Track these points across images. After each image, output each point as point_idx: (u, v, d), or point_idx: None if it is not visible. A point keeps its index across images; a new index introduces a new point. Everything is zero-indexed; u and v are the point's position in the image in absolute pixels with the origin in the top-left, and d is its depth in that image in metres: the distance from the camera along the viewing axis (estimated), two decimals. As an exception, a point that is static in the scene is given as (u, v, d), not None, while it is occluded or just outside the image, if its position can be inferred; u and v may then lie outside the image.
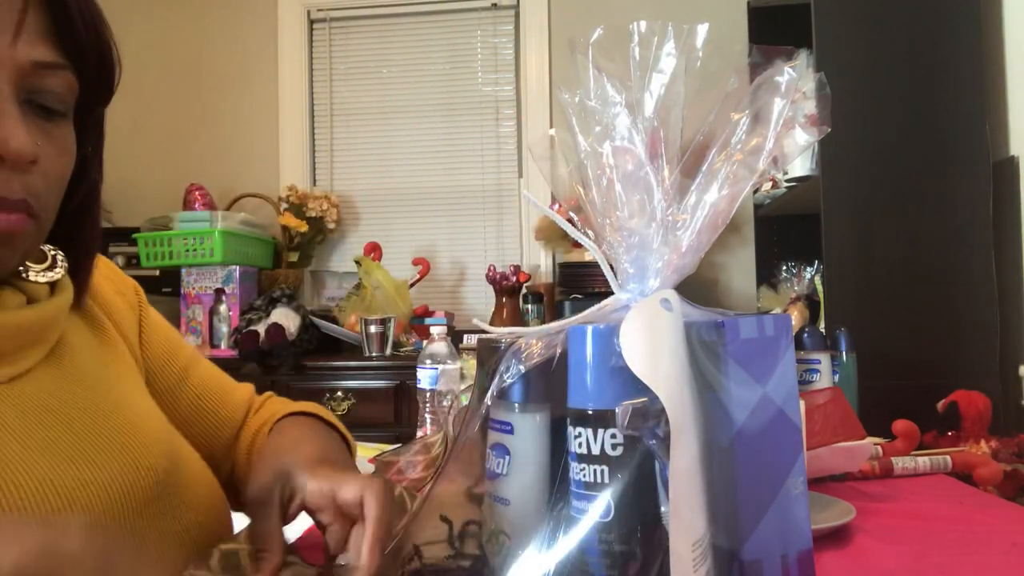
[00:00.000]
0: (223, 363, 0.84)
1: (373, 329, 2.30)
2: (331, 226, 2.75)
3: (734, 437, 0.44)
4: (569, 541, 0.44)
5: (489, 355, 0.52)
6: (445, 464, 0.53)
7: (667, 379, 0.42)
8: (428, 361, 1.22)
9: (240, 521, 0.59)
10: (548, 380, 0.49)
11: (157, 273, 2.49)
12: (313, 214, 2.68)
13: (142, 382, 0.66)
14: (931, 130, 1.85)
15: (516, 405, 0.51)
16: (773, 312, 1.92)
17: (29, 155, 0.47)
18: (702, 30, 0.49)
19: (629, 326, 0.43)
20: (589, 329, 0.45)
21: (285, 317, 2.30)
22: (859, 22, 1.90)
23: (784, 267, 2.19)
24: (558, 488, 0.49)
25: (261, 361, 2.26)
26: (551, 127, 2.67)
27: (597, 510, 0.43)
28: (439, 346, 1.23)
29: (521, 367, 0.49)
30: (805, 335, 1.17)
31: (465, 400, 1.05)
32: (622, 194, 0.48)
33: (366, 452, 1.09)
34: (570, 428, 0.46)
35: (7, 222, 0.48)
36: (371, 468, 0.92)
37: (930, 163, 1.85)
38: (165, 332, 0.73)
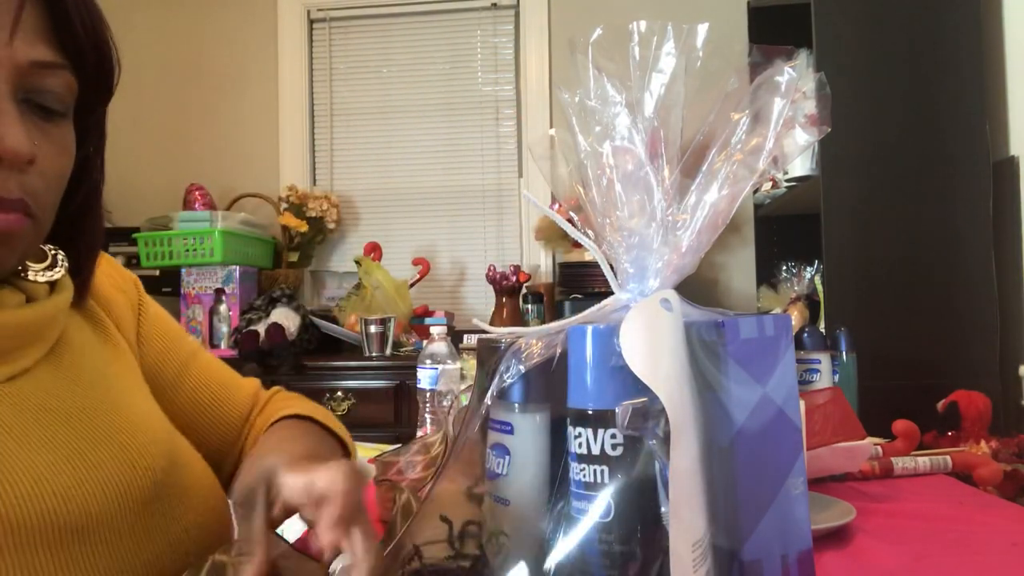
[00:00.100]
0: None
1: (373, 329, 2.30)
2: (331, 226, 2.75)
3: (734, 437, 0.44)
4: (569, 541, 0.44)
5: (489, 355, 0.52)
6: (445, 464, 0.53)
7: (667, 379, 0.42)
8: (428, 361, 1.22)
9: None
10: (548, 380, 0.49)
11: (157, 273, 2.49)
12: (313, 214, 2.68)
13: (143, 381, 0.65)
14: (931, 130, 1.85)
15: (516, 405, 0.51)
16: (773, 312, 1.92)
17: (26, 154, 0.47)
18: (702, 30, 0.49)
19: (629, 326, 0.43)
20: (589, 329, 0.45)
21: (285, 317, 2.30)
22: (859, 22, 1.90)
23: (784, 267, 2.19)
24: (558, 488, 0.49)
25: (261, 361, 2.26)
26: (551, 127, 2.67)
27: (597, 510, 0.43)
28: (439, 346, 1.23)
29: (521, 367, 0.49)
30: (805, 335, 1.17)
31: (465, 400, 1.05)
32: (622, 194, 0.48)
33: (366, 452, 1.09)
34: (570, 428, 0.46)
35: (4, 222, 0.48)
36: (371, 468, 0.92)
37: (930, 163, 1.85)
38: (164, 324, 0.72)
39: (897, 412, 1.12)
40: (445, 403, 1.16)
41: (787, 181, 2.19)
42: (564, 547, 0.44)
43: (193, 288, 2.43)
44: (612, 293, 0.50)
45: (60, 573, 0.46)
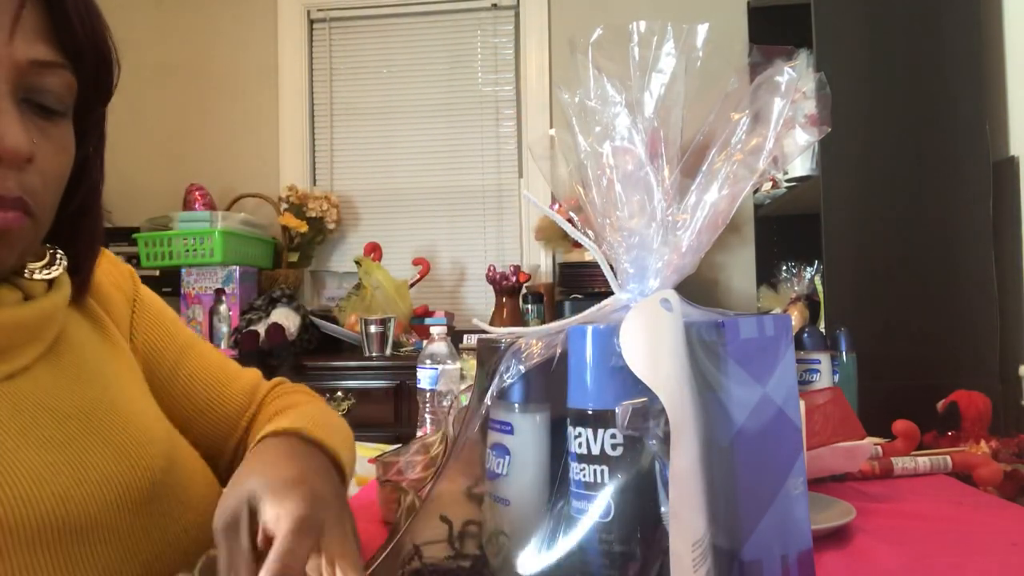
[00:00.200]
0: (223, 363, 0.82)
1: (373, 329, 2.30)
2: (331, 226, 2.75)
3: (734, 437, 0.44)
4: (569, 541, 0.44)
5: (489, 355, 0.52)
6: (445, 464, 0.53)
7: (667, 379, 0.42)
8: (428, 361, 1.22)
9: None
10: (548, 380, 0.49)
11: (157, 273, 2.49)
12: (313, 214, 2.68)
13: (142, 379, 0.65)
14: (931, 130, 1.85)
15: (516, 405, 0.51)
16: (773, 312, 1.92)
17: (25, 152, 0.47)
18: (702, 30, 0.49)
19: (629, 326, 0.43)
20: (589, 329, 0.45)
21: (285, 317, 2.30)
22: (859, 22, 1.90)
23: (784, 267, 2.19)
24: (558, 488, 0.49)
25: (261, 361, 2.25)
26: (551, 127, 2.67)
27: (597, 510, 0.43)
28: (439, 346, 1.23)
29: (521, 367, 0.49)
30: (805, 335, 1.17)
31: (465, 400, 1.05)
32: (622, 194, 0.48)
33: (366, 452, 1.09)
34: (570, 428, 0.46)
35: (3, 220, 0.48)
36: (371, 468, 0.92)
37: (930, 163, 1.85)
38: (160, 315, 0.71)
39: (897, 412, 1.12)
40: (445, 403, 1.16)
41: (787, 181, 2.19)
42: (564, 547, 0.44)
43: (193, 288, 2.43)
44: (612, 293, 0.50)
45: (59, 573, 0.46)
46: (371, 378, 2.28)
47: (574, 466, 0.45)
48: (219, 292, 2.43)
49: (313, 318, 2.42)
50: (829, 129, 0.49)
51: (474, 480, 0.54)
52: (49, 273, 0.56)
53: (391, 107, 2.88)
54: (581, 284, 2.37)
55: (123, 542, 0.51)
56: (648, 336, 0.42)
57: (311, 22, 2.92)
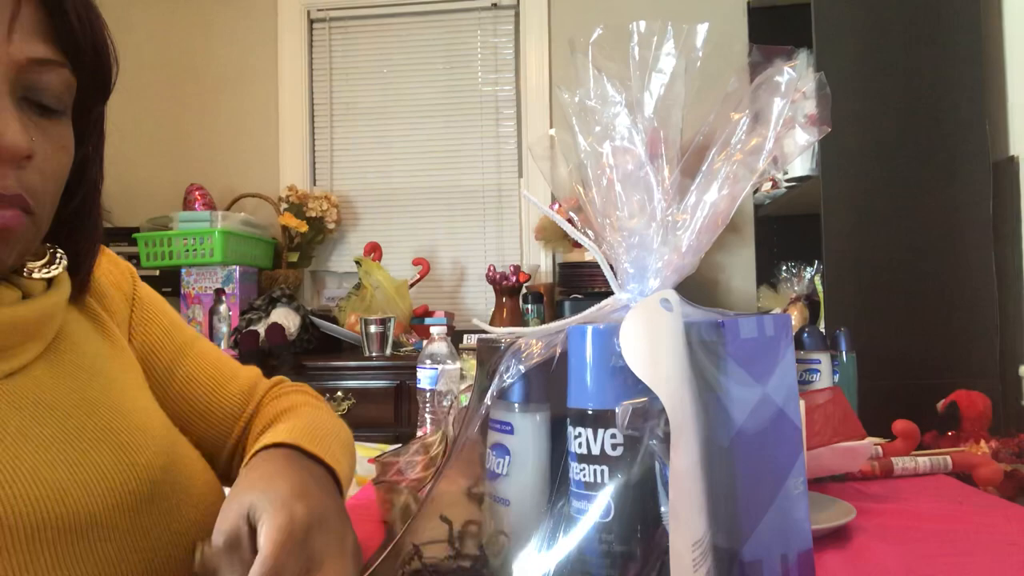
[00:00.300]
0: (223, 363, 0.82)
1: (373, 329, 2.30)
2: (331, 226, 2.75)
3: (734, 437, 0.44)
4: (569, 541, 0.44)
5: (489, 355, 0.52)
6: (445, 464, 0.53)
7: (667, 379, 0.42)
8: (428, 361, 1.22)
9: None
10: (548, 380, 0.49)
11: (157, 273, 2.49)
12: (313, 214, 2.69)
13: (142, 378, 0.65)
14: (931, 130, 1.85)
15: (516, 405, 0.51)
16: (773, 312, 1.92)
17: (23, 150, 0.47)
18: (702, 30, 0.49)
19: (629, 326, 0.43)
20: (589, 329, 0.45)
21: (285, 317, 2.30)
22: (859, 22, 1.90)
23: (784, 267, 2.19)
24: (558, 488, 0.49)
25: (261, 361, 2.25)
26: (551, 127, 2.67)
27: (597, 510, 0.43)
28: (439, 346, 1.23)
29: (521, 367, 0.49)
30: (805, 335, 1.17)
31: (465, 400, 1.05)
32: (622, 194, 0.48)
33: (366, 452, 1.09)
34: (570, 428, 0.46)
35: (2, 218, 0.48)
36: (371, 468, 0.92)
37: (930, 163, 1.85)
38: (158, 312, 0.71)
39: (897, 412, 1.12)
40: (445, 403, 1.16)
41: (787, 181, 2.19)
42: (564, 547, 0.44)
43: (193, 288, 2.43)
44: (612, 293, 0.50)
45: (58, 571, 0.46)
46: (371, 378, 2.28)
47: (574, 466, 0.45)
48: (219, 292, 2.43)
49: (313, 318, 2.42)
50: (829, 129, 0.49)
51: (474, 480, 0.54)
52: (49, 272, 0.56)
53: (391, 107, 2.88)
54: (581, 284, 2.37)
55: (122, 540, 0.51)
56: (648, 336, 0.42)
57: (311, 22, 2.92)
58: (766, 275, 2.37)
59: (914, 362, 1.81)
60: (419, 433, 1.21)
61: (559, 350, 0.48)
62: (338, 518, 0.52)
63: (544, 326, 0.50)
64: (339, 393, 2.26)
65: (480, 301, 2.79)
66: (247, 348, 2.24)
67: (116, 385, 0.59)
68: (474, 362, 0.76)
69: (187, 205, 2.67)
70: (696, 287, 2.54)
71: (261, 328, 2.27)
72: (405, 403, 2.24)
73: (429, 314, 2.56)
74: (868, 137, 1.88)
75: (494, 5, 2.84)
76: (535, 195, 2.65)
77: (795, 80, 0.48)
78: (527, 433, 0.50)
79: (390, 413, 2.25)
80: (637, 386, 0.41)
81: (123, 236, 2.56)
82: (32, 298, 0.53)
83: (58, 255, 0.58)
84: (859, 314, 1.84)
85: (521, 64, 2.80)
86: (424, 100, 2.86)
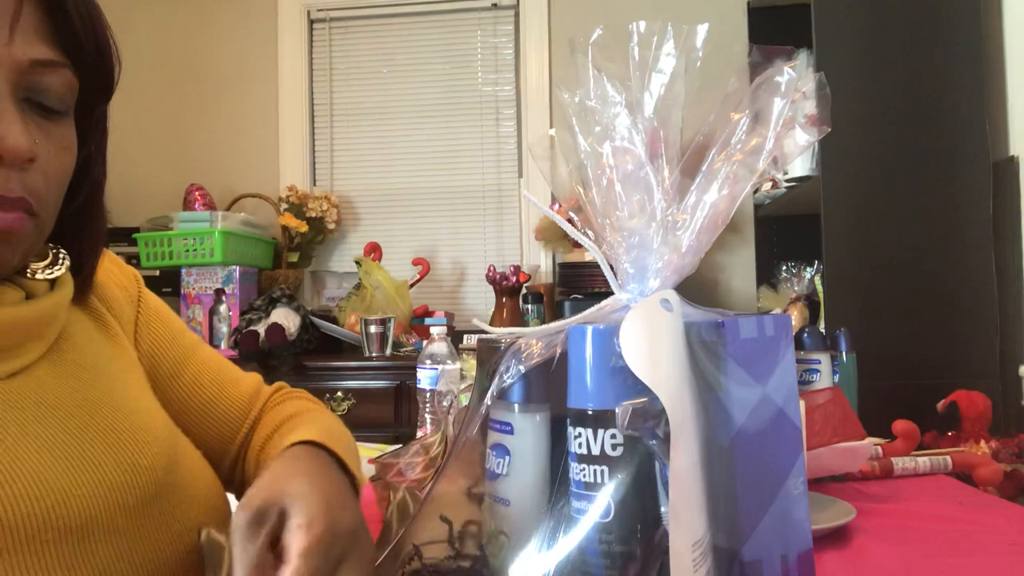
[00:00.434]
0: (223, 363, 0.82)
1: (373, 329, 2.30)
2: (331, 226, 2.75)
3: (734, 437, 0.44)
4: (569, 541, 0.44)
5: (489, 355, 0.52)
6: (445, 464, 0.53)
7: (667, 379, 0.42)
8: (428, 361, 1.22)
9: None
10: (548, 380, 0.49)
11: (157, 273, 2.49)
12: (313, 214, 2.69)
13: (144, 378, 0.65)
14: (931, 130, 1.85)
15: (516, 405, 0.51)
16: (773, 312, 1.92)
17: (26, 153, 0.47)
18: (702, 30, 0.49)
19: (629, 326, 0.43)
20: (589, 329, 0.45)
21: (285, 317, 2.30)
22: (859, 22, 1.90)
23: (784, 267, 2.19)
24: (558, 488, 0.49)
25: (261, 361, 2.26)
26: (551, 127, 2.67)
27: (597, 510, 0.43)
28: (439, 346, 1.23)
29: (521, 367, 0.49)
30: (805, 335, 1.17)
31: (465, 400, 1.05)
32: (622, 194, 0.48)
33: (366, 452, 1.08)
34: (570, 428, 0.46)
35: (5, 220, 0.48)
36: (371, 469, 0.92)
37: (930, 163, 1.85)
38: (163, 318, 0.71)
39: (897, 412, 1.12)
40: (445, 403, 1.16)
41: (787, 181, 2.19)
42: (564, 547, 0.44)
43: (193, 288, 2.43)
44: (612, 293, 0.50)
45: (60, 571, 0.46)
46: (371, 378, 2.28)
47: (574, 466, 0.45)
48: (219, 292, 2.43)
49: (313, 318, 2.41)
50: (829, 129, 0.49)
51: (474, 480, 0.54)
52: (52, 273, 0.56)
53: (391, 107, 2.88)
54: (581, 284, 2.37)
55: (124, 540, 0.51)
56: (648, 336, 0.43)
57: (311, 22, 2.92)
58: (766, 275, 2.37)
59: (914, 362, 1.81)
60: (419, 433, 1.21)
61: (559, 350, 0.48)
62: (364, 532, 0.52)
63: (544, 326, 0.50)
64: (339, 393, 2.26)
65: (480, 301, 2.79)
66: (247, 348, 2.24)
67: (119, 385, 0.59)
68: (474, 362, 0.76)
69: (187, 205, 2.67)
70: (696, 287, 2.54)
71: (261, 328, 2.27)
72: (405, 403, 2.24)
73: (429, 314, 2.56)
74: (868, 137, 1.88)
75: (494, 5, 2.84)
76: (535, 195, 2.65)
77: (795, 80, 0.48)
78: (527, 433, 0.50)
79: (390, 413, 2.25)
80: (637, 386, 0.41)
81: (123, 236, 2.56)
82: (35, 299, 0.53)
83: (61, 256, 0.58)
84: (859, 314, 1.84)
85: (521, 64, 2.80)
86: (424, 100, 2.86)
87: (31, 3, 0.48)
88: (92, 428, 0.53)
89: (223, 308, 2.43)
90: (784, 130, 0.48)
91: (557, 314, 2.47)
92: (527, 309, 2.48)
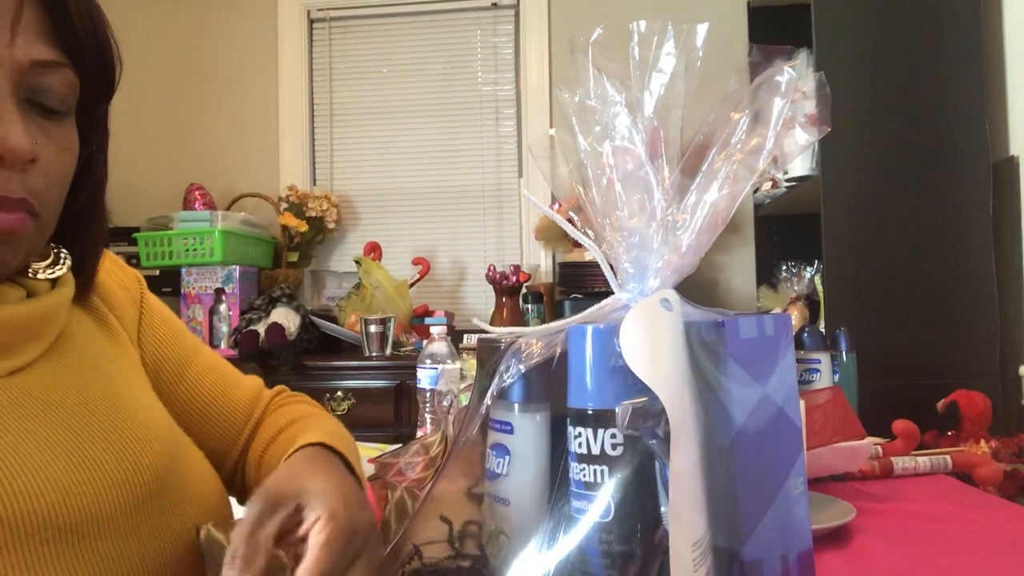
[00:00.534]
0: (223, 363, 0.82)
1: (373, 329, 2.30)
2: (331, 226, 2.75)
3: (734, 437, 0.44)
4: (569, 541, 0.44)
5: (489, 355, 0.52)
6: (445, 464, 0.53)
7: (667, 379, 0.42)
8: (428, 361, 1.22)
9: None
10: (548, 380, 0.49)
11: (157, 273, 2.49)
12: (313, 214, 2.69)
13: (145, 377, 0.65)
14: (931, 130, 1.85)
15: (516, 405, 0.51)
16: (773, 312, 1.92)
17: (27, 153, 0.47)
18: (702, 30, 0.49)
19: (629, 326, 0.43)
20: (589, 329, 0.45)
21: (285, 317, 2.30)
22: (859, 22, 1.90)
23: (784, 267, 2.19)
24: (558, 488, 0.49)
25: (261, 361, 2.25)
26: (551, 127, 2.67)
27: (597, 510, 0.43)
28: (439, 346, 1.23)
29: (521, 367, 0.49)
30: (805, 335, 1.17)
31: (465, 400, 1.05)
32: (622, 194, 0.48)
33: (366, 452, 1.08)
34: (570, 428, 0.46)
35: (7, 221, 0.48)
36: (372, 468, 0.92)
37: (930, 163, 1.85)
38: (166, 321, 0.72)
39: (897, 412, 1.12)
40: (445, 403, 1.16)
41: (787, 181, 2.19)
42: (564, 547, 0.44)
43: (193, 288, 2.43)
44: (612, 293, 0.50)
45: (60, 570, 0.46)
46: (371, 378, 2.28)
47: (574, 466, 0.45)
48: (219, 292, 2.43)
49: (313, 318, 2.41)
50: (829, 129, 0.49)
51: (474, 480, 0.54)
52: (53, 272, 0.56)
53: (391, 107, 2.88)
54: (581, 284, 2.37)
55: (125, 538, 0.51)
56: (648, 336, 0.42)
57: (311, 22, 2.92)
58: (766, 275, 2.37)
59: (914, 362, 1.81)
60: (419, 433, 1.21)
61: (559, 350, 0.48)
62: (376, 536, 0.52)
63: (544, 326, 0.50)
64: (339, 393, 2.26)
65: (480, 301, 2.79)
66: (247, 348, 2.24)
67: (120, 384, 0.59)
68: (474, 362, 0.76)
69: (187, 205, 2.67)
70: (696, 287, 2.54)
71: (261, 328, 2.27)
72: (405, 403, 2.24)
73: (429, 314, 2.56)
74: (868, 137, 1.88)
75: (494, 5, 2.84)
76: (535, 195, 2.65)
77: (795, 80, 0.48)
78: (527, 433, 0.50)
79: (390, 413, 2.25)
80: (637, 386, 0.41)
81: (123, 236, 2.56)
82: (36, 297, 0.54)
83: (62, 255, 0.58)
84: (859, 314, 1.84)
85: (521, 64, 2.80)
86: (424, 100, 2.86)
87: (32, 3, 0.48)
88: (93, 426, 0.53)
89: (223, 308, 2.43)
90: (784, 130, 0.48)
91: (557, 314, 2.47)
92: (527, 309, 2.48)
